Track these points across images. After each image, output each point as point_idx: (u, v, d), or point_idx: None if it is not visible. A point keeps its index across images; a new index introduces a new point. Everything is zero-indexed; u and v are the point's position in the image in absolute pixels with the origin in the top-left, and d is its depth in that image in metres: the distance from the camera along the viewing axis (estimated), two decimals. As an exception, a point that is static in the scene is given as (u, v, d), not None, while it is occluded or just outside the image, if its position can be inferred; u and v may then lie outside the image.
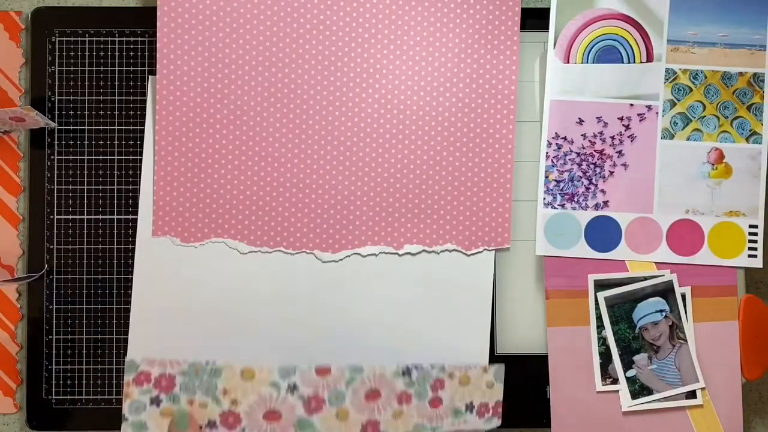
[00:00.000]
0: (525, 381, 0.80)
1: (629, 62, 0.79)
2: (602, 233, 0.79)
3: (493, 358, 0.80)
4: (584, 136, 0.79)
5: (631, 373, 0.78)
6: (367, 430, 0.77)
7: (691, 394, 0.77)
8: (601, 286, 0.78)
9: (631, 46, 0.79)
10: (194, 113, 0.78)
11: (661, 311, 0.78)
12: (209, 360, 0.77)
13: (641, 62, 0.79)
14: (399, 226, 0.79)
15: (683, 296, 0.78)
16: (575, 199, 0.79)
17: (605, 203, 0.79)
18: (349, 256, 0.78)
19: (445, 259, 0.79)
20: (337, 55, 0.79)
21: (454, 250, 0.79)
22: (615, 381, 0.78)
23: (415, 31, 0.79)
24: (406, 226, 0.79)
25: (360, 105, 0.79)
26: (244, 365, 0.77)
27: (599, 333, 0.78)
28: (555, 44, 0.79)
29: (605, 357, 0.78)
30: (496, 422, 0.79)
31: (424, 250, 0.79)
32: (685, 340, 0.78)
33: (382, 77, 0.79)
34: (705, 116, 0.79)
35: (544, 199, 0.79)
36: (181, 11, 0.77)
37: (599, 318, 0.78)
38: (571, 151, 0.79)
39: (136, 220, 0.80)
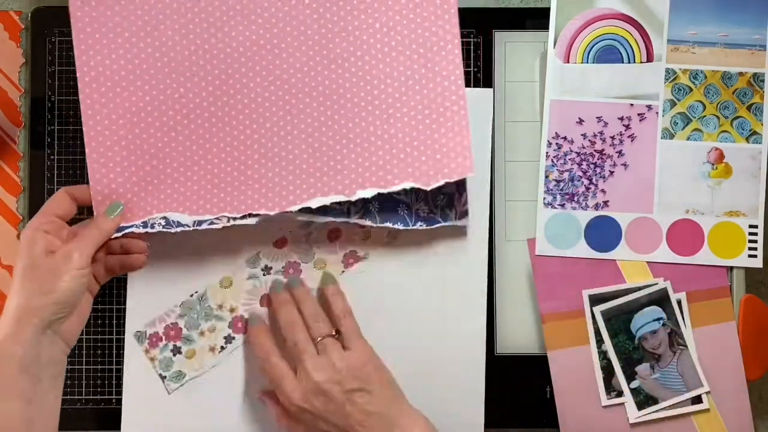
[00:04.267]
0: (525, 381, 0.80)
1: (629, 62, 0.79)
2: (602, 233, 0.79)
3: (493, 358, 0.80)
4: (584, 136, 0.79)
5: (634, 384, 0.77)
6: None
7: (697, 399, 0.77)
8: (596, 300, 0.78)
9: (631, 46, 0.79)
10: (118, 89, 0.74)
11: (658, 320, 0.78)
12: (192, 291, 0.78)
13: (641, 62, 0.79)
14: (349, 173, 0.73)
15: (679, 303, 0.78)
16: (575, 199, 0.79)
17: (605, 203, 0.79)
18: (299, 210, 0.74)
19: (440, 257, 0.79)
20: (270, 1, 0.74)
21: (412, 188, 0.74)
22: (620, 393, 0.77)
23: None
24: (357, 171, 0.73)
25: (293, 44, 0.74)
26: (221, 275, 0.78)
27: (599, 347, 0.78)
28: (555, 44, 0.79)
29: (608, 371, 0.78)
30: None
31: (379, 193, 0.73)
32: (686, 346, 0.78)
33: (320, 17, 0.74)
34: (705, 116, 0.79)
35: (544, 199, 0.79)
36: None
37: (598, 333, 0.78)
38: (571, 150, 0.79)
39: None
